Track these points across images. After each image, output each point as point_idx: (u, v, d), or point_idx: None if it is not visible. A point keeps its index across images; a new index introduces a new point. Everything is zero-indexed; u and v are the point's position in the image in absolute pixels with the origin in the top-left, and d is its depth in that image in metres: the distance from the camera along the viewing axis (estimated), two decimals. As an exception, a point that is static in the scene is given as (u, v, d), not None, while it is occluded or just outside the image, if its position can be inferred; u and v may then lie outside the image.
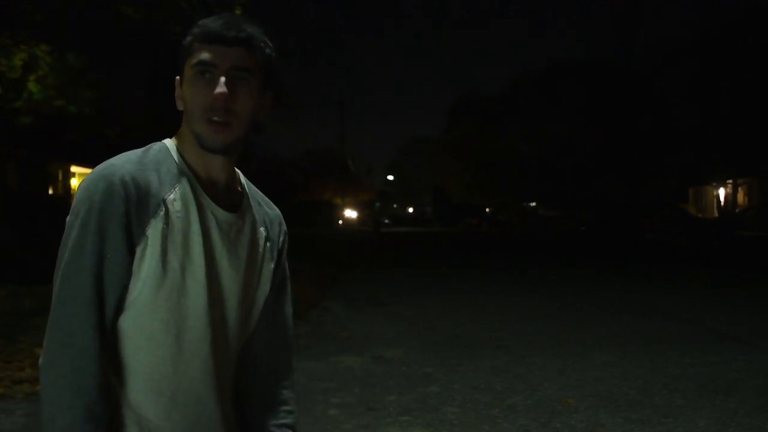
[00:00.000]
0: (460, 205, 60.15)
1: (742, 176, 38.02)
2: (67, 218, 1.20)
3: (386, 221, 71.24)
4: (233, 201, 1.32)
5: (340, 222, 58.35)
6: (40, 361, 1.17)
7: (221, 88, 1.20)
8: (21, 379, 4.84)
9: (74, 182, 26.63)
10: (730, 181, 39.59)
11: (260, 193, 1.43)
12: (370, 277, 13.96)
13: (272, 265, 1.39)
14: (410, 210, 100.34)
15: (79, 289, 1.16)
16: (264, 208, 1.41)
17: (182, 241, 1.22)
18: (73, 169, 26.76)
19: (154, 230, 1.19)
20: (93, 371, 1.15)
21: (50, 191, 24.99)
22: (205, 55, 1.21)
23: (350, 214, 64.74)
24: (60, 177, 26.33)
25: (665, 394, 4.94)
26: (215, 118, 1.21)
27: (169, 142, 1.29)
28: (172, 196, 1.22)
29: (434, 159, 68.08)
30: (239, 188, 1.36)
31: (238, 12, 8.45)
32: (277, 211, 1.45)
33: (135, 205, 1.18)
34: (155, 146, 1.29)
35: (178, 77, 1.28)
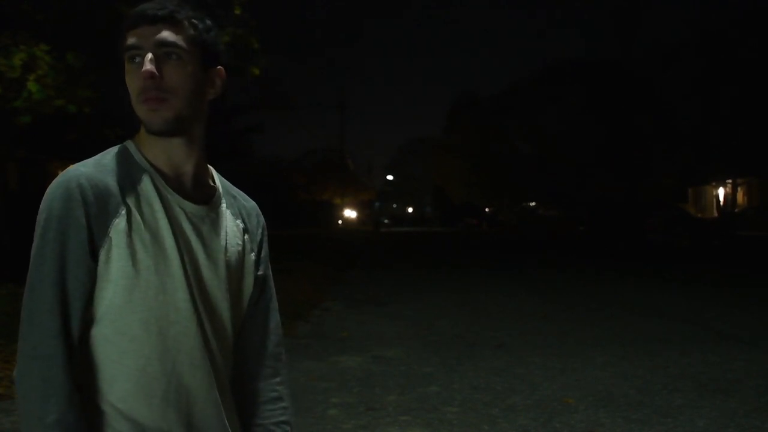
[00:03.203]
0: (460, 205, 60.15)
1: (741, 176, 38.04)
2: None
3: (386, 221, 71.27)
4: (204, 194, 1.31)
5: (340, 222, 58.35)
6: (14, 372, 1.17)
7: (146, 66, 1.18)
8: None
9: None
10: (730, 181, 39.61)
11: (235, 187, 1.43)
12: (370, 277, 13.94)
13: (253, 256, 1.38)
14: (410, 210, 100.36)
15: (42, 299, 1.15)
16: (240, 200, 1.41)
17: (151, 238, 1.21)
18: (73, 168, 26.80)
19: (116, 231, 1.18)
20: (61, 381, 1.13)
21: (50, 191, 24.99)
22: (131, 40, 1.21)
23: (350, 213, 64.75)
24: (60, 177, 26.37)
25: (665, 394, 4.94)
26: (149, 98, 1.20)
27: (130, 142, 1.29)
28: (133, 194, 1.22)
29: (434, 159, 68.14)
30: (211, 182, 1.35)
31: (237, 11, 8.44)
32: (254, 203, 1.45)
33: (94, 208, 1.17)
34: (115, 148, 1.28)
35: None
